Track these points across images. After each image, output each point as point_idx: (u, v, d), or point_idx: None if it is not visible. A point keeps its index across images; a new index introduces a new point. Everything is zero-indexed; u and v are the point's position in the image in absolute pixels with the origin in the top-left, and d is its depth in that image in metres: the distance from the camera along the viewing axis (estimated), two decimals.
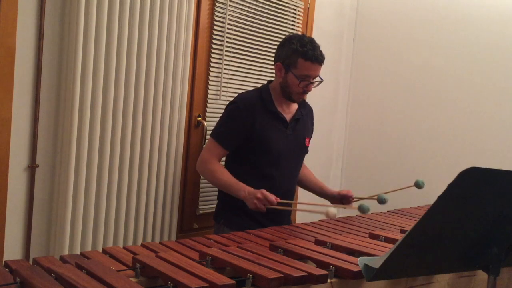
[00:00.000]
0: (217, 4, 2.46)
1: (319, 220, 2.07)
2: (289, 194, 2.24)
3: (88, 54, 1.94)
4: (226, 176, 2.09)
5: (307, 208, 2.08)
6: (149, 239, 2.25)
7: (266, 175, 2.14)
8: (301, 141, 2.26)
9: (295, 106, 2.25)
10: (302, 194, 2.88)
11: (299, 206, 2.70)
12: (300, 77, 2.08)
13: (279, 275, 1.24)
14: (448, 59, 3.00)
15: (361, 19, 3.40)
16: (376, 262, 1.21)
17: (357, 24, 3.41)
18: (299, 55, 2.07)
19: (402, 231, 1.93)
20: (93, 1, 1.92)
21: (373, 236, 1.82)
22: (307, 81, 2.11)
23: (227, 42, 2.52)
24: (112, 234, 2.12)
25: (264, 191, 1.97)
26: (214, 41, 2.47)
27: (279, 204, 1.97)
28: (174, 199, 2.35)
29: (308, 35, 3.00)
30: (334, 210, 1.85)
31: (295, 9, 2.91)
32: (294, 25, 2.91)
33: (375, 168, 3.29)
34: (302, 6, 2.95)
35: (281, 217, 2.16)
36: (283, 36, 2.36)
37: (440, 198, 1.02)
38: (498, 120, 2.83)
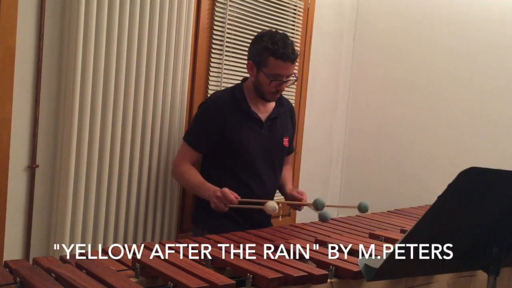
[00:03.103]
0: (217, 4, 2.46)
1: (319, 220, 2.07)
2: (269, 195, 2.13)
3: (88, 54, 1.94)
4: (194, 177, 2.01)
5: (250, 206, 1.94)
6: (149, 239, 2.25)
7: (242, 177, 2.06)
8: (279, 141, 2.16)
9: (271, 105, 2.15)
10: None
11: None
12: (271, 76, 1.99)
13: (279, 275, 1.24)
14: (448, 59, 3.00)
15: (361, 19, 3.40)
16: (376, 262, 1.22)
17: (357, 24, 3.41)
18: (270, 53, 1.97)
19: (402, 231, 1.94)
20: (93, 1, 1.92)
21: (373, 236, 1.82)
22: (280, 80, 2.00)
23: (227, 42, 2.52)
24: (112, 234, 2.12)
25: (225, 189, 1.88)
26: (214, 41, 2.47)
27: (241, 203, 1.89)
28: (174, 199, 2.35)
29: (308, 35, 3.01)
30: (273, 204, 1.80)
31: (295, 9, 2.91)
32: (294, 25, 2.91)
33: (375, 168, 3.29)
34: (302, 6, 2.95)
35: (260, 219, 2.09)
36: None
37: (440, 198, 1.02)
38: (498, 120, 2.83)
